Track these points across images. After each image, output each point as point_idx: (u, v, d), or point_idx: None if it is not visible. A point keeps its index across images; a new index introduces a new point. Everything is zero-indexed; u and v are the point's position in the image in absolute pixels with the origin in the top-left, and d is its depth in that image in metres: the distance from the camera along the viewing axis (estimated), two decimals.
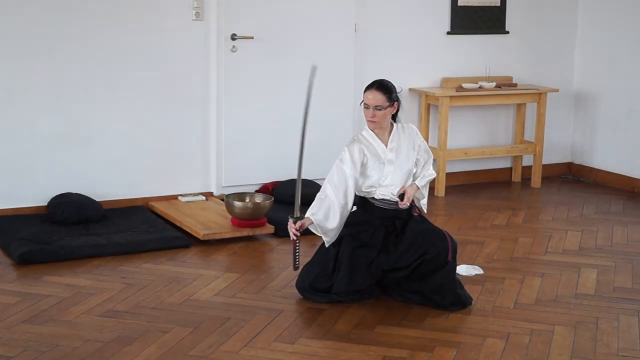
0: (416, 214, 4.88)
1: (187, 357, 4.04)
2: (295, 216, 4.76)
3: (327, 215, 4.72)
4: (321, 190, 4.80)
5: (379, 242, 4.78)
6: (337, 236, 4.77)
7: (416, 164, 4.92)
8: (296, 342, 4.24)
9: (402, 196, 4.77)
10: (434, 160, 7.18)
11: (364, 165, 4.78)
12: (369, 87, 4.80)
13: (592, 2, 8.04)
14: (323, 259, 4.82)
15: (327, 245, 4.78)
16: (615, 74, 7.88)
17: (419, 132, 4.98)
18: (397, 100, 4.83)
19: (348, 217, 4.81)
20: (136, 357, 4.02)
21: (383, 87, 4.78)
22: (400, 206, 4.77)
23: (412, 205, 4.88)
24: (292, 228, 4.74)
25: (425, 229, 4.75)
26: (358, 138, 4.85)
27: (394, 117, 4.91)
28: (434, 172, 5.00)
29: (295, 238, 4.75)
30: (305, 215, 4.76)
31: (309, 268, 4.85)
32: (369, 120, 4.80)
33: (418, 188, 4.86)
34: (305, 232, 5.59)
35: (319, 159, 7.05)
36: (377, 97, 4.74)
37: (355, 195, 4.82)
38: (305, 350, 4.14)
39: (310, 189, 6.73)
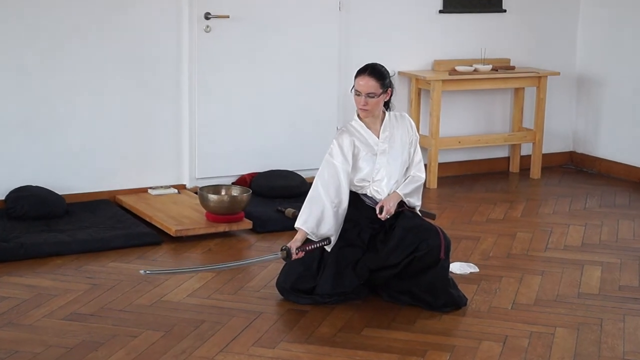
0: (407, 209, 4.88)
1: None
2: (284, 255, 4.70)
3: (320, 220, 4.70)
4: (311, 189, 4.79)
5: (365, 242, 4.79)
6: (337, 237, 4.76)
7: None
8: (276, 346, 4.24)
9: (381, 209, 4.77)
10: (425, 149, 7.23)
11: (355, 157, 4.78)
12: (360, 72, 4.78)
13: None
14: (307, 258, 4.81)
15: (329, 250, 4.77)
16: (621, 55, 7.90)
17: (414, 124, 4.96)
18: (391, 86, 4.83)
19: None
20: None
21: (376, 72, 4.77)
22: (380, 217, 4.75)
23: (402, 203, 4.88)
24: (298, 255, 4.71)
25: (416, 225, 4.75)
26: (347, 129, 4.84)
27: (387, 105, 4.91)
28: (423, 175, 4.97)
29: (305, 252, 4.73)
30: (296, 226, 4.75)
31: (291, 267, 4.84)
32: (360, 109, 4.79)
33: (401, 198, 4.84)
34: (289, 228, 5.62)
35: (301, 150, 7.07)
36: (369, 84, 4.73)
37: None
38: (286, 356, 4.14)
39: (291, 181, 6.75)
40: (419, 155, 4.97)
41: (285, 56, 7.03)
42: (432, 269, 4.68)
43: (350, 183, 4.79)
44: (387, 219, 4.78)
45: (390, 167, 4.82)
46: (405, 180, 4.88)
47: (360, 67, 4.82)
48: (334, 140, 4.79)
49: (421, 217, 4.90)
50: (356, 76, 4.79)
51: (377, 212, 4.75)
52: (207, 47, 6.72)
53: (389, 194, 4.80)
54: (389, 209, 4.73)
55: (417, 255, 4.65)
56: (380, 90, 4.75)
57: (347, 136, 4.78)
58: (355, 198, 4.82)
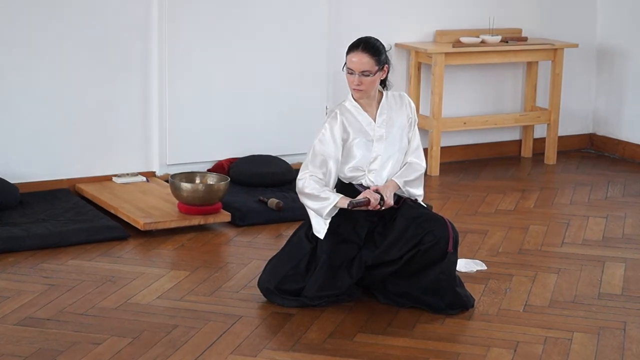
0: (408, 199, 4.88)
1: None
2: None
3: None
4: (299, 179, 4.75)
5: (361, 237, 4.79)
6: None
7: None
8: (258, 354, 4.25)
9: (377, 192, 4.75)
10: (426, 132, 7.24)
11: (347, 144, 4.77)
12: (353, 48, 4.77)
13: None
14: (295, 255, 4.81)
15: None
16: None
17: (413, 106, 4.96)
18: (387, 62, 4.83)
19: None
20: None
21: (371, 47, 4.76)
22: (370, 207, 4.74)
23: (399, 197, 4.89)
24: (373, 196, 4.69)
25: (420, 214, 4.75)
26: (340, 110, 4.84)
27: (383, 83, 4.91)
28: (423, 163, 4.97)
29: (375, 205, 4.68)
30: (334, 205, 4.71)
31: (277, 265, 4.84)
32: (354, 89, 4.78)
33: (399, 187, 4.84)
34: (272, 221, 5.63)
35: (286, 133, 7.07)
36: (363, 60, 4.72)
37: (338, 181, 4.81)
38: None
39: (275, 168, 6.74)
40: (417, 139, 4.97)
41: (268, 26, 7.02)
42: (438, 264, 4.69)
43: (343, 173, 4.80)
44: (387, 210, 4.78)
45: (388, 155, 4.82)
46: (402, 168, 4.89)
47: (353, 41, 4.82)
48: (325, 124, 4.78)
49: (424, 206, 4.90)
50: (348, 52, 4.78)
51: (372, 193, 4.74)
52: (179, 14, 6.70)
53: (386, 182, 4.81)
54: (387, 199, 4.73)
55: (421, 248, 4.65)
56: (376, 68, 4.74)
57: (339, 119, 4.77)
58: (349, 189, 4.82)
